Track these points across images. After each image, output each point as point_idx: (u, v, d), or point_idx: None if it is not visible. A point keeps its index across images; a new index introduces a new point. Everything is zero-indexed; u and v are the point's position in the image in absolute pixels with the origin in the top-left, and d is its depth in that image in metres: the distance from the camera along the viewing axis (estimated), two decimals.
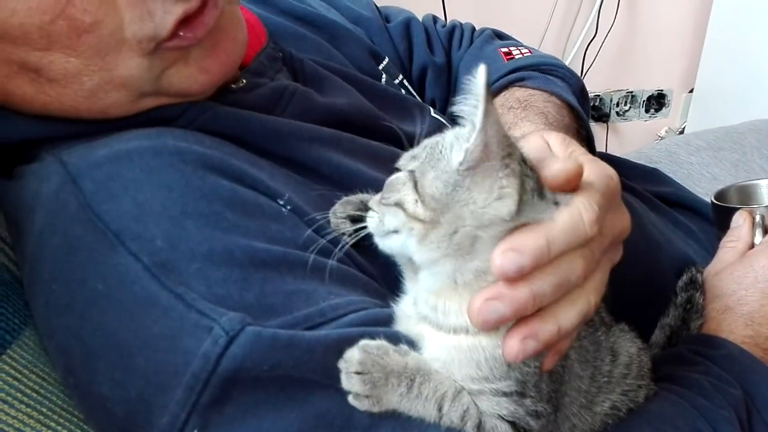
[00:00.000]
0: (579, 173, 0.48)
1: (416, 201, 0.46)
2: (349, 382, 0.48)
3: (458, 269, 0.47)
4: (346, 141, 0.70)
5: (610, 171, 0.53)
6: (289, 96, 0.70)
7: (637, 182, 1.09)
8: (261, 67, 0.72)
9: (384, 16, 1.00)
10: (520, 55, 0.98)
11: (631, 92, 2.42)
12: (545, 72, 0.95)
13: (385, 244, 0.50)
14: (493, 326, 0.46)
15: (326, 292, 0.53)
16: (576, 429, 0.55)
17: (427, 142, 0.49)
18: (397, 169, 0.50)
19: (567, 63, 2.11)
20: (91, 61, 0.57)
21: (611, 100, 2.38)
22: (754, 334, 0.71)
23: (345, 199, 0.59)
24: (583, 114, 0.90)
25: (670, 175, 1.19)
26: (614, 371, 0.57)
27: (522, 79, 0.93)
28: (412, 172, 0.47)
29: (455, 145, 0.46)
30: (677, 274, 0.84)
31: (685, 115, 2.47)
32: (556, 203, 0.47)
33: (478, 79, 0.43)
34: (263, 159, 0.62)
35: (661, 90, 2.47)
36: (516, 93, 0.92)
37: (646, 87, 2.44)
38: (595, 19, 2.09)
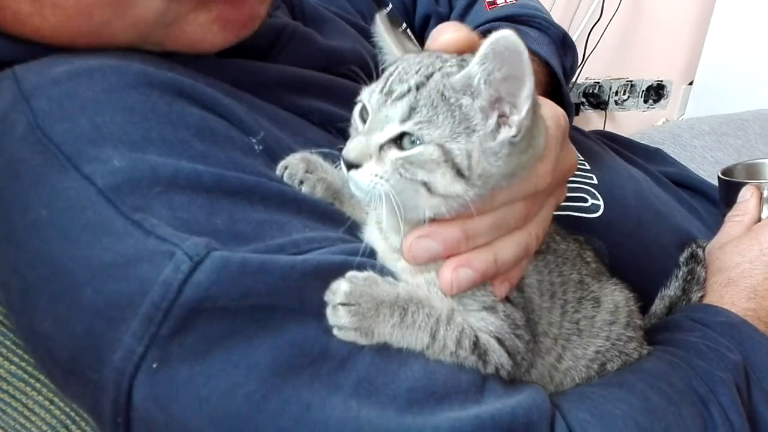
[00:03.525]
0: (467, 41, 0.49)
1: (452, 182, 0.45)
2: (335, 315, 0.45)
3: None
4: (341, 89, 0.66)
5: (560, 110, 0.54)
6: (287, 37, 0.67)
7: (641, 161, 1.08)
8: None
9: None
10: (504, 4, 0.96)
11: (631, 81, 2.41)
12: (522, 22, 0.93)
13: (382, 200, 0.46)
14: (424, 262, 0.47)
15: (301, 224, 0.49)
16: (559, 368, 0.56)
17: (426, 95, 0.45)
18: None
19: None
20: None
21: (610, 88, 2.36)
22: (757, 307, 0.70)
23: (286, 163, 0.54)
24: (552, 62, 0.88)
25: (674, 157, 1.18)
26: (597, 317, 0.58)
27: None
28: (442, 147, 0.44)
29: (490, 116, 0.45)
30: (679, 246, 0.84)
31: (684, 107, 2.46)
32: None
33: (501, 42, 0.43)
34: (245, 93, 0.59)
35: (661, 81, 2.45)
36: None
37: (646, 77, 2.42)
38: (600, 2, 2.07)
